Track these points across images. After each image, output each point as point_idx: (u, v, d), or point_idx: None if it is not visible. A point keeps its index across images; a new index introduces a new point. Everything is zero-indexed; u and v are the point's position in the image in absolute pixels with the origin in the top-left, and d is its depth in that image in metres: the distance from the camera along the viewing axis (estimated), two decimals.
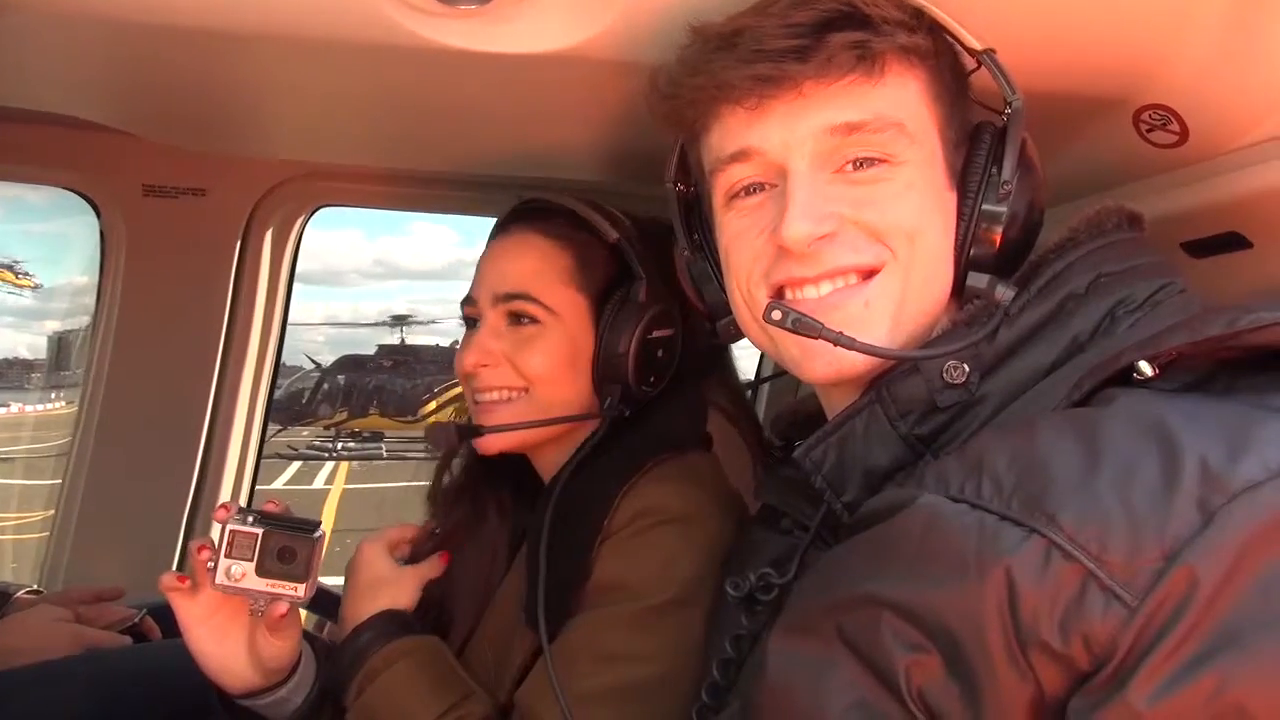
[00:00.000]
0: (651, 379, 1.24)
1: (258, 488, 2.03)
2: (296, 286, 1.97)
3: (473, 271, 1.32)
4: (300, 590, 1.07)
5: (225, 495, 1.93)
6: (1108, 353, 0.74)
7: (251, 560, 1.05)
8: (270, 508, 1.11)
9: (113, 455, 1.82)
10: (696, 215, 1.04)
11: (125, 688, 1.38)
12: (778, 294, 0.88)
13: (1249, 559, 0.57)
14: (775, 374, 1.86)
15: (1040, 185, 0.88)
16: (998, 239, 0.85)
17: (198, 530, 1.89)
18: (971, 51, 0.88)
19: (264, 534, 1.06)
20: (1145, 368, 0.70)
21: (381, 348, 21.10)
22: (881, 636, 0.67)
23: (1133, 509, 0.60)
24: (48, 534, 1.89)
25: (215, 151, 1.64)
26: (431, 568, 1.28)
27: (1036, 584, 0.61)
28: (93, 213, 1.79)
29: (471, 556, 1.33)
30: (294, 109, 1.33)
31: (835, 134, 0.84)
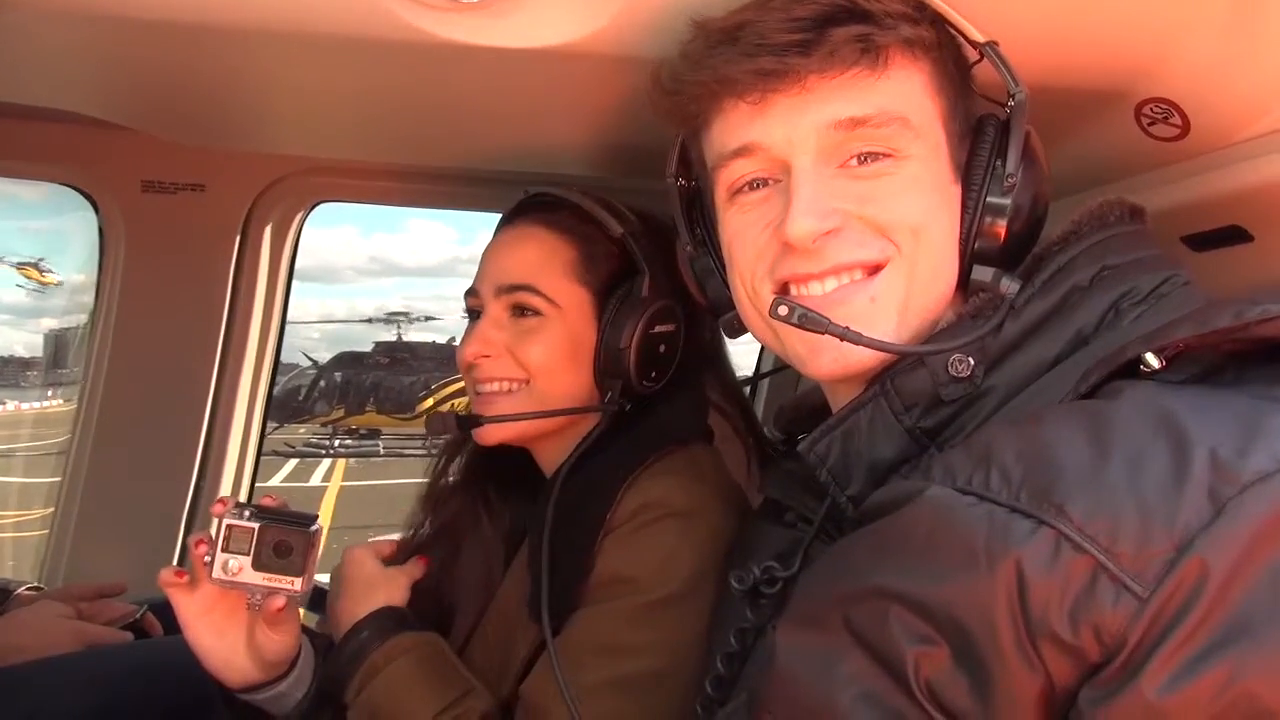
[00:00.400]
0: (653, 374, 1.24)
1: (255, 484, 2.03)
2: (293, 284, 1.97)
3: (470, 268, 1.32)
4: (297, 584, 1.07)
5: (225, 491, 1.92)
6: (1114, 345, 0.74)
7: (248, 554, 1.06)
8: (268, 502, 1.11)
9: (113, 452, 1.81)
10: (698, 210, 1.04)
11: (126, 684, 1.38)
12: (782, 290, 0.88)
13: (1260, 549, 0.58)
14: (775, 369, 1.87)
15: (1044, 177, 0.88)
16: (1003, 232, 0.85)
17: (198, 526, 1.89)
18: (974, 44, 0.88)
19: (260, 528, 1.06)
20: (1152, 360, 0.70)
21: (378, 345, 21.09)
22: (890, 628, 0.67)
23: (1143, 500, 0.60)
24: (48, 531, 1.88)
25: (214, 146, 1.63)
26: (416, 569, 1.29)
27: (1046, 576, 0.61)
28: (91, 209, 1.78)
29: (473, 552, 1.33)
30: (293, 104, 1.33)
31: (839, 129, 0.84)
